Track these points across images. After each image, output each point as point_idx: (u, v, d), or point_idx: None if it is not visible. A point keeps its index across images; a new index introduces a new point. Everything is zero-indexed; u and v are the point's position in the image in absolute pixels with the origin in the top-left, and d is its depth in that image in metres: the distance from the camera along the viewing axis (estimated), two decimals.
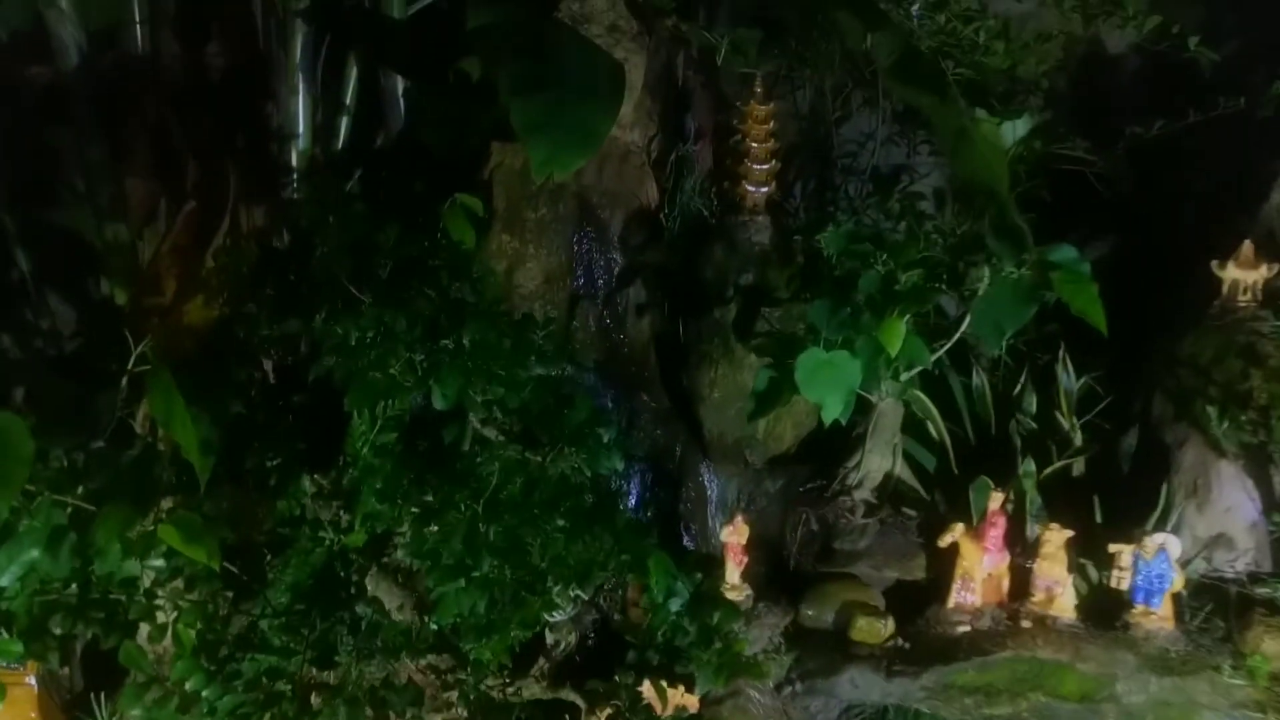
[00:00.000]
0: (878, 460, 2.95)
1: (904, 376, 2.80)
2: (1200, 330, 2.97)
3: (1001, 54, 3.69)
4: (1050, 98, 3.96)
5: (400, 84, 3.33)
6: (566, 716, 2.17)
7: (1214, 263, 2.99)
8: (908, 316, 2.64)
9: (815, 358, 2.58)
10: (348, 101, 3.44)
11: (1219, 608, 2.76)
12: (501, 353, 2.29)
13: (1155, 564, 2.68)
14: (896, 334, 2.59)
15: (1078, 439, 3.24)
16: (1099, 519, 2.92)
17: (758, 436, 3.05)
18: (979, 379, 3.35)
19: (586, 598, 1.90)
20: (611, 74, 2.67)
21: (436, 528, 1.90)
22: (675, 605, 1.94)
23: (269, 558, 2.24)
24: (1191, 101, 3.55)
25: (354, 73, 3.42)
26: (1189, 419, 2.91)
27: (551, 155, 2.42)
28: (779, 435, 3.07)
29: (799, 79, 3.96)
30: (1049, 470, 3.11)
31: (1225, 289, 2.98)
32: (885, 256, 2.74)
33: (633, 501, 3.04)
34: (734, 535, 2.77)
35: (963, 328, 2.73)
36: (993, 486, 3.07)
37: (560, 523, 1.87)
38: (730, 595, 2.76)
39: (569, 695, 1.93)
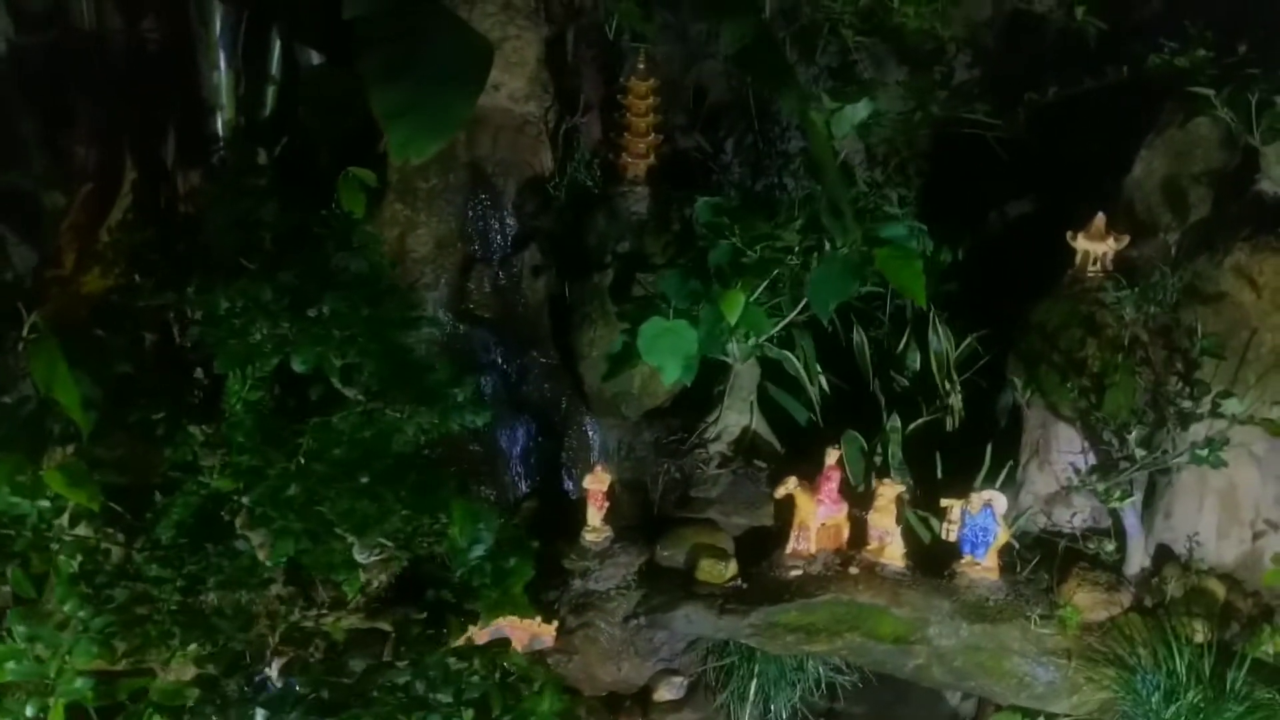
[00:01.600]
0: (735, 417, 3.18)
1: (751, 341, 3.01)
2: (1051, 298, 3.11)
3: (911, 17, 3.79)
4: (959, 61, 4.07)
5: (316, 59, 3.56)
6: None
7: (1069, 233, 3.12)
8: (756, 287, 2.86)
9: (657, 325, 2.81)
10: (273, 73, 3.67)
11: (1047, 561, 2.96)
12: (359, 321, 2.56)
13: (980, 518, 2.88)
14: (736, 304, 2.80)
15: (954, 397, 3.43)
16: (939, 474, 3.12)
17: (633, 392, 3.29)
18: (859, 336, 3.54)
19: (390, 545, 2.18)
20: (479, 57, 2.85)
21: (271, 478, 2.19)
22: (479, 550, 2.21)
23: (159, 499, 2.57)
24: (1087, 70, 3.64)
25: (277, 46, 3.65)
26: (1035, 382, 3.08)
27: (410, 139, 2.63)
28: (653, 391, 3.31)
29: None
30: (914, 426, 3.31)
31: (1078, 259, 3.11)
32: (738, 229, 2.94)
33: (518, 449, 3.32)
34: (595, 483, 3.04)
35: (803, 302, 2.92)
36: (861, 440, 3.30)
37: (364, 480, 2.14)
38: (590, 537, 3.06)
39: (382, 625, 2.22)
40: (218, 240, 2.69)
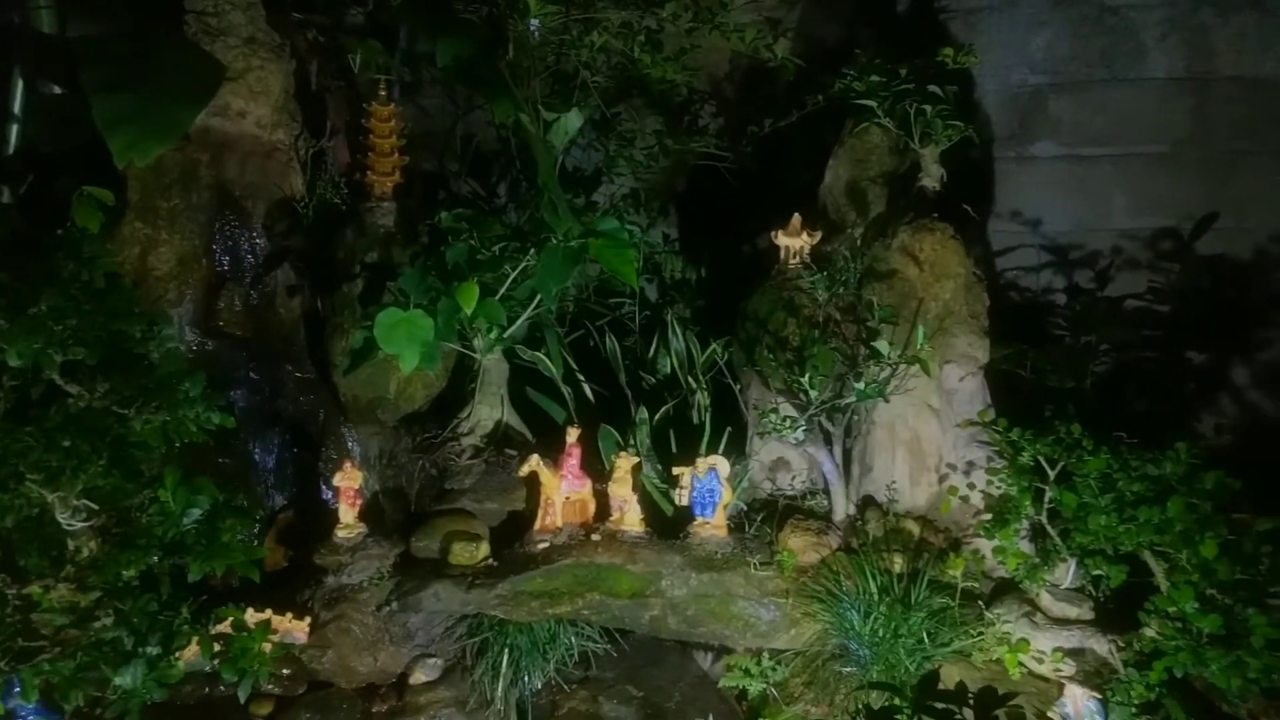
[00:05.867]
0: (486, 410, 3.36)
1: (492, 335, 3.23)
2: (762, 289, 3.50)
3: (649, 64, 4.23)
4: (705, 110, 4.61)
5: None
6: None
7: (773, 233, 3.54)
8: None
9: (393, 316, 2.98)
10: (16, 111, 3.70)
11: (770, 519, 3.26)
12: (80, 314, 2.61)
13: (705, 481, 3.15)
14: (471, 295, 3.01)
15: (701, 394, 3.75)
16: (679, 454, 3.40)
17: (389, 397, 3.42)
18: (611, 343, 3.84)
19: (95, 508, 2.21)
20: (207, 74, 3.03)
21: None
22: (194, 515, 2.28)
23: None
24: (793, 103, 4.18)
25: (20, 84, 3.69)
26: (752, 362, 3.43)
27: (131, 144, 2.77)
28: (410, 395, 3.45)
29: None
30: (658, 415, 3.60)
31: (782, 255, 3.53)
32: (474, 232, 3.19)
33: (272, 461, 3.37)
34: (345, 480, 3.13)
35: (538, 299, 3.18)
36: (614, 433, 3.55)
37: (66, 444, 2.18)
38: (343, 533, 3.13)
39: (91, 595, 2.22)
40: None
